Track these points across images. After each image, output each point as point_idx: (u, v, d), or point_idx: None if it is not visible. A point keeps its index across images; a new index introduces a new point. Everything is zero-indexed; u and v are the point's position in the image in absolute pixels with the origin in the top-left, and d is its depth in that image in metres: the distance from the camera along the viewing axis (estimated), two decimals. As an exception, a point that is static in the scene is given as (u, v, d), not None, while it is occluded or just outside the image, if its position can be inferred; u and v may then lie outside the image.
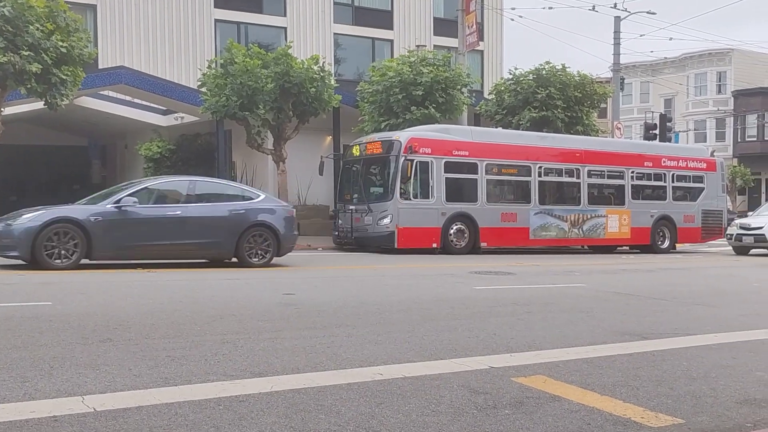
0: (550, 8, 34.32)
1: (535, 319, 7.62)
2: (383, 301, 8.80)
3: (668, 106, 55.99)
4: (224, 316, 7.18)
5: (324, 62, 20.27)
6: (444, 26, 33.65)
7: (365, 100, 22.19)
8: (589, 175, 20.36)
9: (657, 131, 30.09)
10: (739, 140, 51.53)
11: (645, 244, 21.02)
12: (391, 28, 33.63)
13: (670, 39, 63.70)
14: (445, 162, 18.09)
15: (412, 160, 17.45)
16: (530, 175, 19.47)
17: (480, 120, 26.00)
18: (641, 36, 63.79)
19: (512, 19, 38.64)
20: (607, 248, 21.09)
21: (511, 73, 25.74)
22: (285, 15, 31.24)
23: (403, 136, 17.98)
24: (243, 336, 6.15)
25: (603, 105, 29.98)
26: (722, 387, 4.91)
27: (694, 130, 54.13)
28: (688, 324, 7.73)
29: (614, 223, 20.50)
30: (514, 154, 19.36)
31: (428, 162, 17.86)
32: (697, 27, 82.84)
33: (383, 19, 33.42)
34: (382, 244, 17.88)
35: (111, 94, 25.63)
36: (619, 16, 32.06)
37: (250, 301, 8.37)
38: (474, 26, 24.83)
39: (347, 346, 5.88)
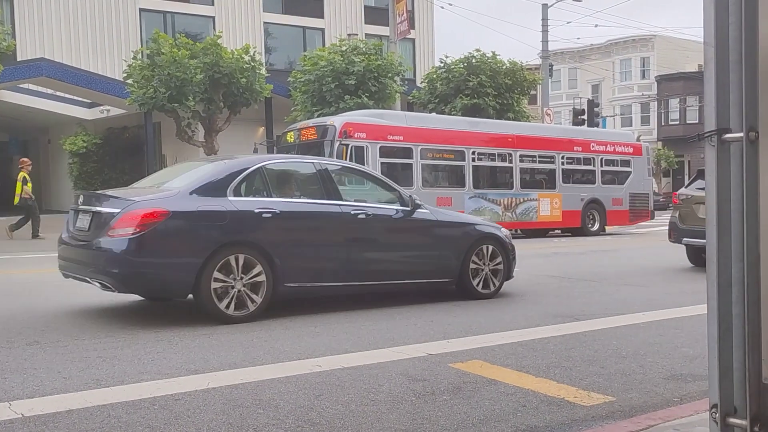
0: (480, -4, 34.76)
1: (471, 305, 7.73)
2: (320, 292, 8.76)
3: (595, 91, 57.49)
4: (157, 313, 7.03)
5: (254, 52, 19.98)
6: (375, 14, 33.61)
7: (297, 90, 22.02)
8: (521, 159, 20.72)
9: (585, 117, 30.85)
10: (662, 124, 53.32)
11: (576, 227, 21.55)
12: (322, 17, 33.40)
13: (596, 26, 65.48)
14: (381, 147, 18.13)
15: (347, 145, 17.43)
16: (464, 160, 19.69)
17: (413, 108, 26.13)
18: (568, 23, 65.38)
19: (442, 7, 39.14)
20: (540, 231, 21.53)
21: (442, 62, 25.95)
22: (213, 4, 30.64)
23: (337, 120, 17.93)
24: (178, 333, 6.04)
25: (533, 92, 30.56)
26: (650, 364, 5.09)
27: (621, 114, 55.78)
28: (618, 304, 7.98)
29: (546, 206, 20.94)
30: (448, 139, 19.54)
31: (363, 147, 17.86)
32: (620, 14, 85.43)
33: (314, 7, 33.16)
34: None
35: (31, 87, 24.66)
36: (547, 4, 32.65)
37: (184, 297, 8.21)
38: (405, 14, 24.90)
39: (285, 339, 5.84)
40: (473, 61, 25.14)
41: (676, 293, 8.88)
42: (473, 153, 19.84)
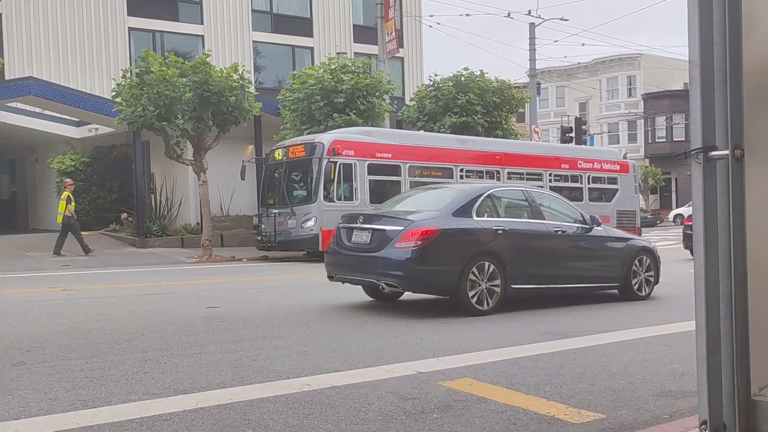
0: (467, 15, 35.13)
1: (461, 323, 7.72)
2: (310, 310, 8.74)
3: (583, 109, 57.89)
4: (145, 333, 6.97)
5: (243, 70, 19.98)
6: (364, 33, 33.78)
7: (287, 108, 22.03)
8: (509, 176, 20.77)
9: (573, 134, 31.03)
10: (649, 141, 53.74)
11: None
12: (311, 36, 33.53)
13: (583, 45, 66.14)
14: (369, 164, 18.15)
15: (335, 162, 17.41)
16: (452, 177, 19.72)
17: (402, 126, 26.18)
18: (555, 42, 65.86)
19: (430, 26, 39.34)
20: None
21: (431, 80, 26.05)
22: (202, 23, 30.71)
23: (326, 138, 17.91)
24: (166, 352, 5.99)
25: (521, 110, 30.70)
26: (640, 381, 5.09)
27: (608, 132, 56.18)
28: (606, 321, 7.99)
29: (535, 224, 20.95)
30: (436, 157, 19.58)
31: (351, 164, 17.85)
32: (607, 33, 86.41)
33: (303, 26, 33.29)
34: (306, 247, 17.82)
35: (19, 105, 24.57)
36: (534, 23, 32.94)
37: (172, 316, 8.16)
38: (393, 33, 25.03)
39: (274, 358, 5.81)
40: (462, 79, 25.26)
41: (663, 310, 8.92)
42: (461, 170, 19.87)
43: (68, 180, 20.29)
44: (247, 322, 7.68)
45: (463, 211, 8.52)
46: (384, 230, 8.31)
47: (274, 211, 18.29)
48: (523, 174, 21.21)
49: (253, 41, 31.95)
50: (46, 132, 26.37)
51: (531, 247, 8.91)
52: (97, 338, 6.70)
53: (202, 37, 30.53)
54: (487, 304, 8.26)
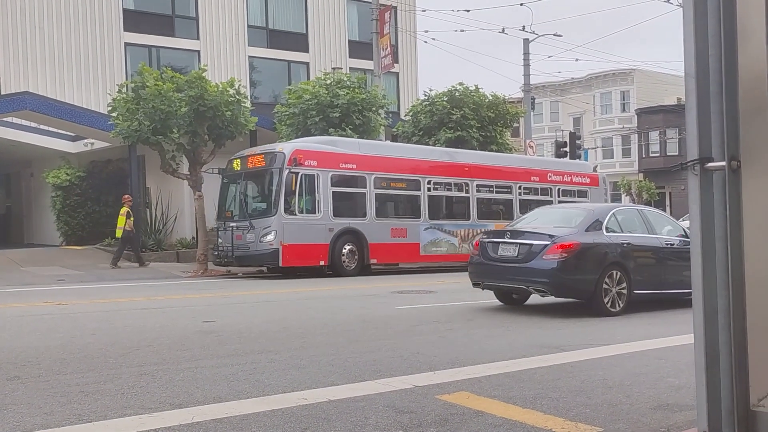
0: (462, 31, 35.38)
1: (457, 336, 7.71)
2: (306, 324, 8.71)
3: (577, 124, 58.11)
4: (140, 347, 6.94)
5: (239, 85, 20.02)
6: (359, 49, 33.92)
7: (282, 123, 22.06)
8: (478, 189, 20.41)
9: (567, 149, 31.18)
10: (643, 156, 53.93)
11: None
12: (307, 51, 33.65)
13: (576, 60, 66.47)
14: (332, 175, 17.53)
15: (296, 173, 16.74)
16: (419, 190, 19.28)
17: (397, 141, 26.24)
18: (549, 57, 66.32)
19: (425, 42, 39.49)
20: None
21: (426, 95, 26.14)
22: (198, 38, 30.80)
23: (286, 147, 17.31)
24: (161, 367, 5.96)
25: (516, 124, 30.82)
26: (637, 394, 5.08)
27: (602, 147, 56.38)
28: (602, 334, 7.98)
29: (502, 237, 20.75)
30: (403, 168, 19.12)
31: (314, 175, 17.15)
32: (600, 49, 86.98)
33: (299, 41, 33.42)
34: (266, 263, 17.22)
35: (15, 120, 24.56)
36: (528, 39, 33.14)
37: (167, 330, 8.13)
38: (389, 49, 25.15)
39: (270, 371, 5.78)
40: (456, 94, 25.36)
41: (658, 323, 8.92)
42: (429, 182, 19.47)
43: (127, 196, 20.63)
44: (243, 336, 7.65)
45: (595, 227, 9.92)
46: (530, 244, 9.61)
47: (231, 224, 17.51)
48: (492, 186, 20.93)
49: (249, 56, 32.03)
50: (42, 146, 26.35)
51: (648, 257, 10.26)
52: (93, 353, 6.66)
53: (198, 52, 30.61)
54: (618, 307, 9.55)
